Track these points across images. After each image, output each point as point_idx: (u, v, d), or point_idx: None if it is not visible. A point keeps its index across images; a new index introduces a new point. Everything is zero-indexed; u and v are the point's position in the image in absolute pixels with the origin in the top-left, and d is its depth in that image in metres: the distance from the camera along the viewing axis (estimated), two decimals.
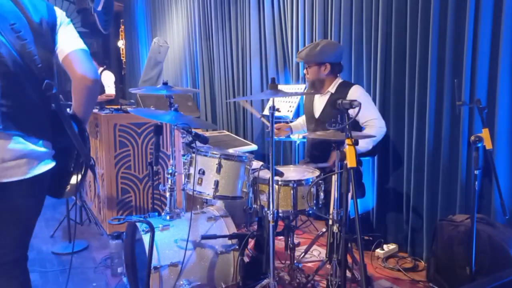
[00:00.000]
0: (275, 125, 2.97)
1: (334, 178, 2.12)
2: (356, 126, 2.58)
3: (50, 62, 1.47)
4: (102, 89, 5.66)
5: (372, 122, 2.55)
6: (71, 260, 2.82)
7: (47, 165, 1.45)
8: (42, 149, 1.43)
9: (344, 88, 2.63)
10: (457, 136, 2.49)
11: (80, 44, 1.53)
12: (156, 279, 1.99)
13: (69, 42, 1.51)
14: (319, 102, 2.74)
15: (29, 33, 1.38)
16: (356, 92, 2.58)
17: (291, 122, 3.22)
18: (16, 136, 1.36)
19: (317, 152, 2.73)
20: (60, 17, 1.51)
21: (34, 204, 1.49)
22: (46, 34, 1.45)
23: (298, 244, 2.54)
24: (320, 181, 2.22)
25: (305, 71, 2.74)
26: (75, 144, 1.49)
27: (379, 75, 2.92)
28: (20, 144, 1.37)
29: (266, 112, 3.90)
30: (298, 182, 2.17)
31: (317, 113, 2.74)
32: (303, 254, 2.73)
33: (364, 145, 2.52)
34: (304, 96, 2.90)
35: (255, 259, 2.37)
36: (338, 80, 2.69)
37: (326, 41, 2.72)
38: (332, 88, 2.67)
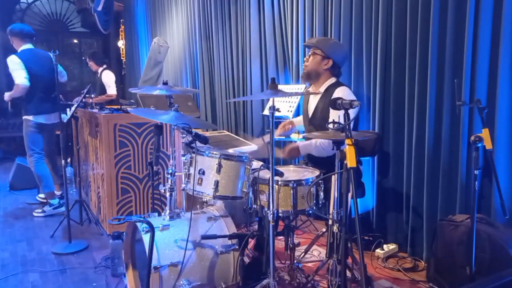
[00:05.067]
0: (282, 123, 2.99)
1: (334, 178, 2.12)
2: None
3: None
4: (103, 90, 5.61)
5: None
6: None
7: None
8: None
9: (332, 87, 2.61)
10: (457, 136, 2.49)
11: None
12: (156, 279, 1.99)
13: None
14: (312, 102, 2.74)
15: None
16: (339, 93, 2.52)
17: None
18: None
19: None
20: None
21: None
22: None
23: (298, 244, 2.54)
24: (320, 181, 2.22)
25: (305, 58, 2.71)
26: None
27: (379, 75, 2.92)
28: None
29: (266, 112, 3.90)
30: (298, 182, 2.16)
31: (310, 113, 2.75)
32: (303, 254, 2.73)
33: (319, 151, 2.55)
34: (303, 95, 2.90)
35: (255, 259, 2.37)
36: (332, 80, 2.67)
37: (338, 41, 2.70)
38: (323, 88, 2.66)
